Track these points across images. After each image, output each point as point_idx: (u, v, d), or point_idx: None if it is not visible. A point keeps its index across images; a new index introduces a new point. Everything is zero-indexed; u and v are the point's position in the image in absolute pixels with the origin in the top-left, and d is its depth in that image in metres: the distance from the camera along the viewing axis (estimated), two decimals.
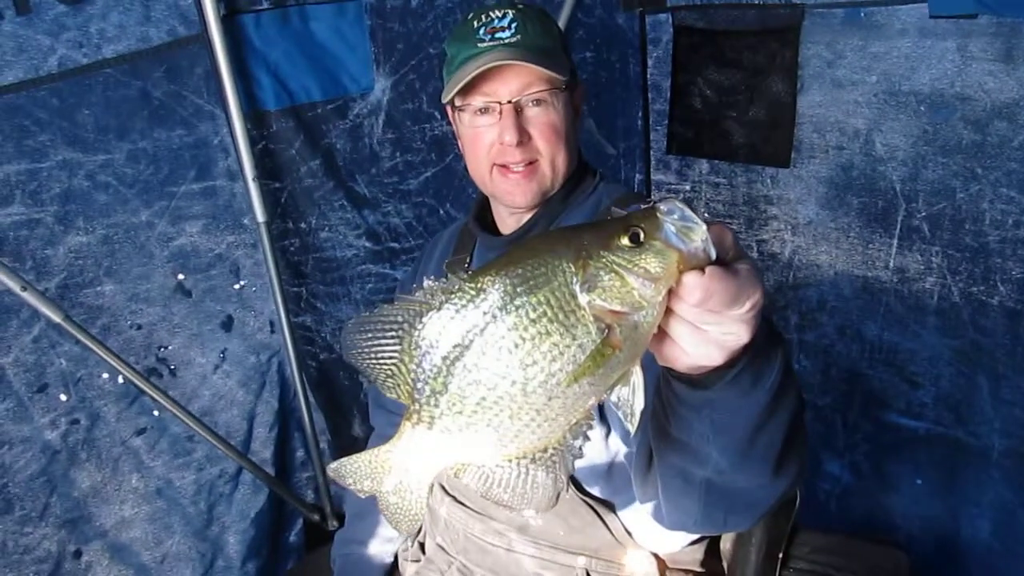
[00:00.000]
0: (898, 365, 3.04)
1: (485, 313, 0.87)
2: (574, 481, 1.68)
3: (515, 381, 0.88)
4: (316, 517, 3.09)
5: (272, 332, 2.85)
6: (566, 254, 0.87)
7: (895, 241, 2.95)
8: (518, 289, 0.86)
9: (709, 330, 0.87)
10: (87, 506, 2.57)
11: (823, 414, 3.28)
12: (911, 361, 3.00)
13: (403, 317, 0.92)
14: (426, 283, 0.91)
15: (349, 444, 3.13)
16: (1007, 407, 2.78)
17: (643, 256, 0.84)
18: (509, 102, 1.69)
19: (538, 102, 1.71)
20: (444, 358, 0.90)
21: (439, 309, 0.90)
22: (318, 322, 2.98)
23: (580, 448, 0.94)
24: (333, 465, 1.09)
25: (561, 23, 3.17)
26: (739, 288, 0.83)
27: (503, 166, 1.75)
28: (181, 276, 2.63)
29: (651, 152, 3.69)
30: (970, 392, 2.86)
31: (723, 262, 0.85)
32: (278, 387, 2.90)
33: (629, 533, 1.71)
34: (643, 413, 0.92)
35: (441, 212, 3.11)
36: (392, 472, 1.04)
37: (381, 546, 2.22)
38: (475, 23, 1.72)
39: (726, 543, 1.90)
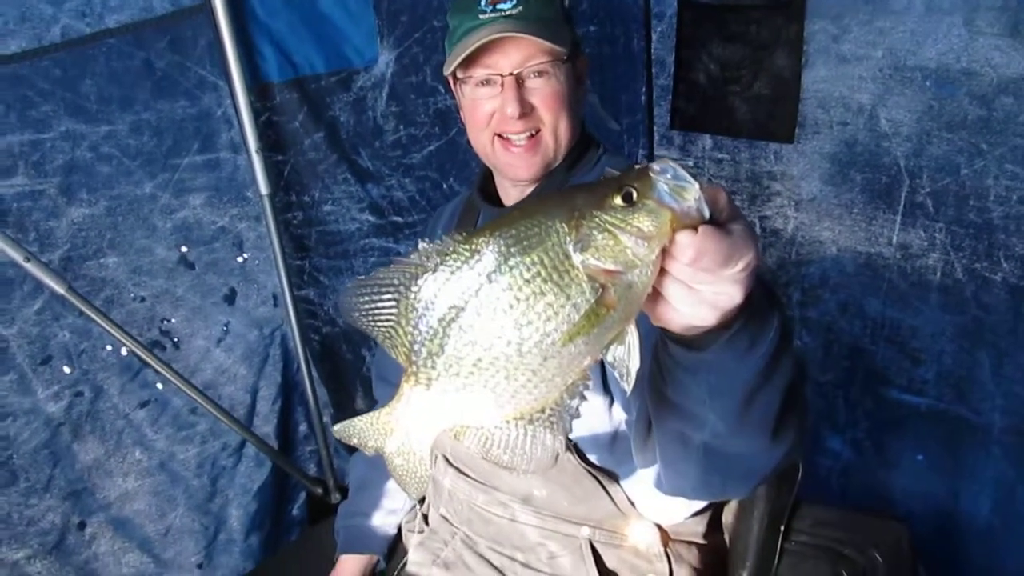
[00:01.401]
0: (900, 342, 3.04)
1: (480, 274, 0.88)
2: (578, 451, 1.69)
3: (510, 342, 0.89)
4: (319, 490, 3.11)
5: (275, 306, 2.85)
6: (559, 214, 0.87)
7: (898, 217, 2.94)
8: (512, 250, 0.87)
9: (702, 290, 0.87)
10: (90, 479, 2.57)
11: (824, 390, 3.28)
12: (913, 337, 3.00)
13: (399, 279, 0.93)
14: (421, 246, 0.92)
15: (351, 417, 3.13)
16: (1008, 384, 2.78)
17: (636, 215, 0.84)
18: (511, 74, 1.69)
19: (540, 73, 1.70)
20: (440, 320, 0.91)
21: (434, 271, 0.90)
22: (321, 296, 2.98)
23: (577, 408, 0.95)
24: (338, 426, 1.11)
25: None
26: (732, 247, 0.83)
27: (505, 139, 1.75)
28: (184, 249, 2.62)
29: (654, 127, 3.68)
30: (972, 369, 2.87)
31: (717, 222, 0.85)
32: (281, 361, 2.91)
33: (632, 504, 1.72)
34: (639, 372, 0.92)
35: (444, 186, 3.10)
36: (394, 434, 1.05)
37: (384, 518, 2.23)
38: None
39: (728, 515, 1.91)
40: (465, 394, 0.94)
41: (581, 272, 0.86)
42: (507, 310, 0.87)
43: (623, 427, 1.65)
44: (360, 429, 1.09)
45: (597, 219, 0.86)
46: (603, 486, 1.70)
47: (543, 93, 1.71)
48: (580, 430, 1.67)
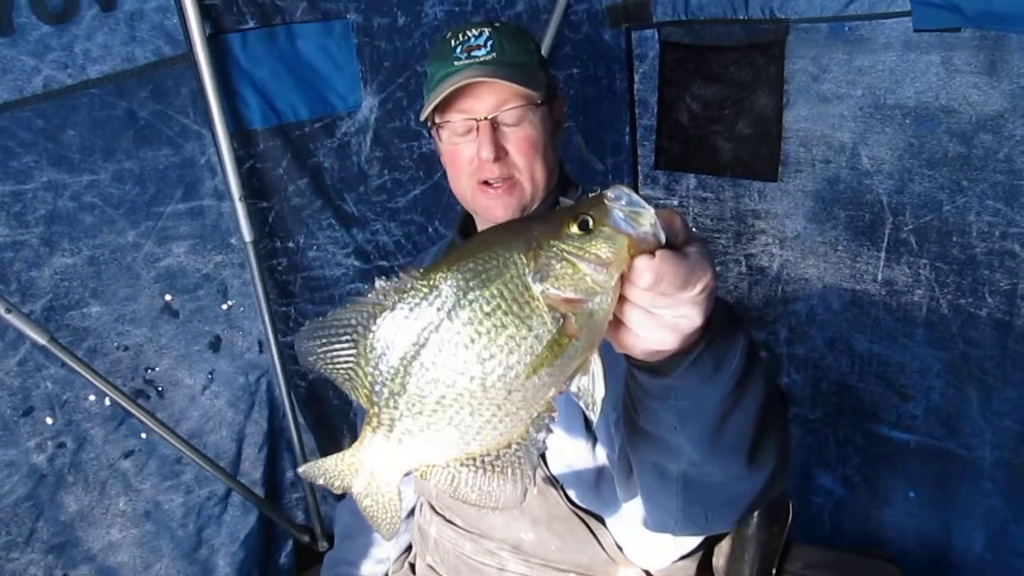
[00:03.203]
0: (888, 378, 3.04)
1: (439, 310, 0.87)
2: (567, 495, 1.67)
3: (473, 377, 0.87)
4: (306, 538, 3.08)
5: (260, 352, 2.83)
6: (517, 246, 0.87)
7: (883, 254, 2.95)
8: (470, 283, 0.86)
9: (662, 314, 0.87)
10: (74, 530, 2.54)
11: (814, 427, 3.27)
12: (901, 373, 3.00)
13: (356, 320, 0.91)
14: (378, 284, 0.90)
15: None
16: (997, 418, 2.78)
17: (593, 242, 0.84)
18: (486, 118, 1.70)
19: (514, 119, 1.72)
20: (400, 359, 0.89)
21: (392, 309, 0.88)
22: None
23: (544, 441, 0.93)
24: (303, 467, 1.08)
25: (548, 39, 3.18)
26: (689, 270, 0.83)
27: (483, 184, 1.76)
28: (168, 297, 2.61)
29: (639, 167, 3.70)
30: (960, 404, 2.87)
31: (673, 246, 0.85)
32: (267, 407, 2.89)
33: (620, 549, 1.70)
34: (604, 401, 0.91)
35: (430, 230, 3.11)
36: (359, 475, 1.03)
37: (372, 567, 2.20)
38: (452, 41, 1.73)
39: (719, 559, 1.89)
40: (429, 433, 0.92)
41: (542, 302, 0.85)
42: (469, 345, 0.86)
43: (608, 467, 1.64)
44: (326, 470, 1.06)
45: (555, 248, 0.85)
46: (592, 531, 1.69)
47: (517, 138, 1.72)
48: (565, 471, 1.66)
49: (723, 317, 0.94)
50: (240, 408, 2.83)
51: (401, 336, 0.89)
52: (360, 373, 0.93)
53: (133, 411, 2.51)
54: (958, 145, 2.68)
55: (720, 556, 1.89)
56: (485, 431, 0.91)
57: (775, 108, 3.13)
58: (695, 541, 1.75)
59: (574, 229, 0.85)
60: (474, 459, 0.94)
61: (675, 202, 3.60)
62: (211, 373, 2.75)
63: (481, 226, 1.93)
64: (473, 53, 1.69)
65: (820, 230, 3.12)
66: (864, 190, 2.95)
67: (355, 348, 0.92)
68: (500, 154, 1.70)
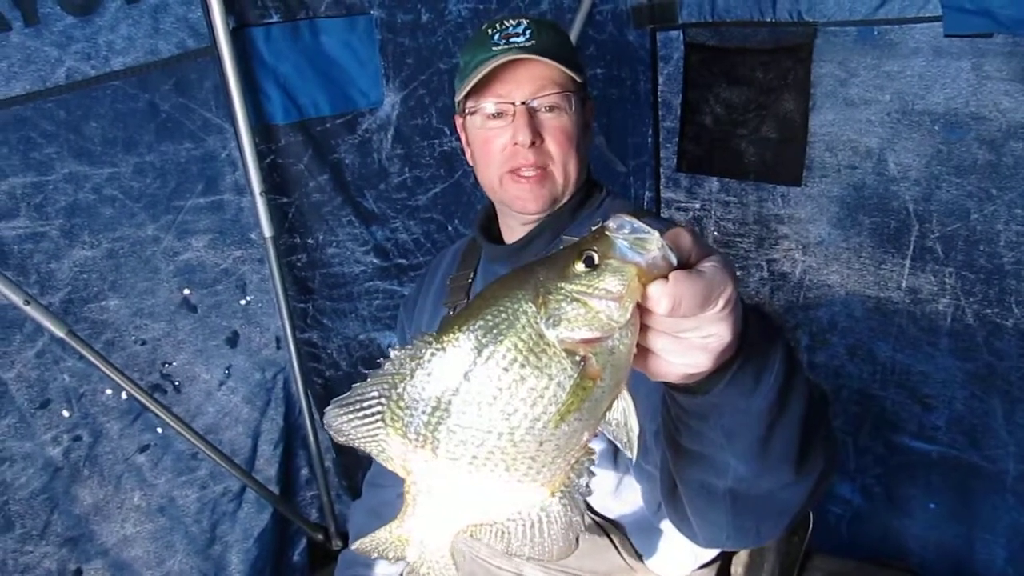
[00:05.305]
0: (910, 387, 3.01)
1: (457, 372, 0.85)
2: (586, 502, 1.65)
3: (501, 434, 0.86)
4: (320, 536, 3.07)
5: (278, 348, 2.83)
6: (524, 294, 0.85)
7: (908, 262, 2.92)
8: (483, 340, 0.84)
9: (689, 337, 0.84)
10: (88, 524, 2.54)
11: None
12: (924, 383, 2.97)
13: (378, 392, 0.90)
14: (393, 354, 0.89)
15: (354, 463, 3.10)
16: (1021, 431, 2.75)
17: (601, 277, 0.81)
18: (523, 103, 1.68)
19: (551, 108, 1.70)
20: (426, 425, 0.88)
21: (411, 377, 0.87)
22: (324, 339, 2.96)
23: (587, 485, 0.91)
24: (357, 543, 1.07)
25: (572, 39, 3.15)
26: (708, 287, 0.80)
27: (515, 173, 1.73)
28: (187, 291, 2.61)
29: (661, 169, 3.67)
30: (984, 415, 2.83)
31: (686, 265, 0.82)
32: (283, 404, 2.88)
33: (639, 556, 1.68)
34: (640, 437, 0.88)
35: (449, 228, 3.09)
36: (410, 544, 1.02)
37: (386, 568, 2.18)
38: (490, 31, 1.72)
39: (738, 567, 1.87)
40: (468, 494, 0.92)
41: (558, 348, 0.83)
42: (491, 402, 0.84)
43: (629, 474, 1.62)
44: (379, 543, 1.05)
45: (563, 290, 0.83)
46: (611, 539, 1.67)
47: (553, 127, 1.70)
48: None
49: (757, 325, 0.91)
50: (256, 405, 2.83)
51: (423, 403, 0.87)
52: (390, 444, 0.92)
53: (149, 405, 2.51)
54: (987, 153, 2.65)
55: (739, 565, 1.86)
56: (524, 484, 0.89)
57: (801, 112, 3.10)
58: (715, 550, 1.72)
59: (579, 267, 0.83)
60: (520, 513, 0.92)
61: (697, 205, 3.58)
62: (228, 369, 2.74)
63: (505, 220, 1.91)
64: (512, 40, 1.68)
65: (844, 236, 3.08)
66: (890, 196, 2.91)
67: (383, 420, 0.91)
68: (536, 140, 1.69)
